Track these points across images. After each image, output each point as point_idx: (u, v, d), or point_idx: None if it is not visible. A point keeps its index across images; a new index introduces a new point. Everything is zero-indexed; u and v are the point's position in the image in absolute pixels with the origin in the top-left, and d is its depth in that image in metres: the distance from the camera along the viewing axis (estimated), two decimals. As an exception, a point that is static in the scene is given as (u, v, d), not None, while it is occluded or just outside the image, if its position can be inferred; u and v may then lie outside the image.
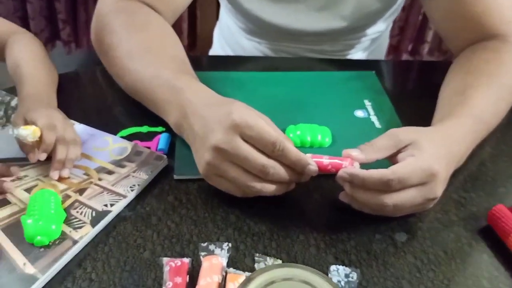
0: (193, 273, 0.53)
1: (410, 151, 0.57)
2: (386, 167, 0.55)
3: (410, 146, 0.57)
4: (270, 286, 0.38)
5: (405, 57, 2.02)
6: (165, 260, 0.53)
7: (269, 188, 0.57)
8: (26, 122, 0.63)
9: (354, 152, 0.57)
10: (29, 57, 0.75)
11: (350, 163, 0.57)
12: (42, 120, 0.61)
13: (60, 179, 0.61)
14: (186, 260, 0.53)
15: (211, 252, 0.54)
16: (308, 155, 0.58)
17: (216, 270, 0.51)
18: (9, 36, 0.79)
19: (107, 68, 0.75)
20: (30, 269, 0.51)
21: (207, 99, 0.61)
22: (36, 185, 0.60)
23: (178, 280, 0.50)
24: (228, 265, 0.54)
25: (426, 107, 0.71)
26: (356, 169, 0.55)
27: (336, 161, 0.57)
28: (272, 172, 0.55)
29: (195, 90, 0.63)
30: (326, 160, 0.58)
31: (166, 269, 0.52)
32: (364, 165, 0.58)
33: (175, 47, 0.73)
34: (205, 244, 0.55)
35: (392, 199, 0.55)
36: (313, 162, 0.57)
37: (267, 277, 0.39)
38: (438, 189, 0.56)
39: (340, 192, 0.60)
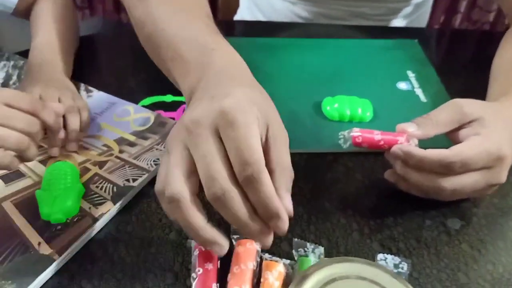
0: (225, 258, 0.47)
1: (475, 128, 0.50)
2: (444, 143, 0.49)
3: (476, 123, 0.50)
4: (330, 285, 0.32)
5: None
6: (194, 243, 0.47)
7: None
8: None
9: (410, 128, 0.51)
10: (50, 16, 0.70)
11: (406, 139, 0.51)
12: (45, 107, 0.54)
13: (79, 149, 0.56)
14: None
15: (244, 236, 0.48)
16: (356, 129, 0.52)
17: (251, 256, 0.46)
18: None
19: (129, 12, 0.61)
20: (45, 249, 0.46)
21: (234, 73, 0.47)
22: (52, 157, 0.55)
23: (209, 266, 0.45)
24: (263, 250, 0.48)
25: (476, 80, 0.64)
26: (412, 147, 0.49)
27: (389, 137, 0.51)
28: (224, 197, 0.39)
29: (222, 57, 0.49)
30: (377, 136, 0.51)
31: (195, 253, 0.46)
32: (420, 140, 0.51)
33: (206, 4, 0.63)
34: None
35: (451, 182, 0.49)
36: (285, 217, 0.40)
37: (326, 274, 0.33)
38: (503, 174, 0.50)
39: (385, 171, 0.54)
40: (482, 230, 0.52)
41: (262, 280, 0.45)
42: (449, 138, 0.52)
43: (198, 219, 0.40)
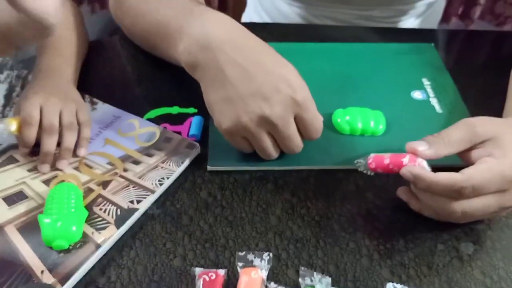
0: (229, 287, 0.47)
1: (488, 149, 0.48)
2: (455, 160, 0.47)
3: (489, 142, 0.48)
4: None
5: (454, 21, 1.86)
6: (198, 271, 0.47)
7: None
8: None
9: (421, 147, 0.49)
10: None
11: (411, 159, 0.49)
12: (23, 111, 0.55)
13: (82, 168, 0.55)
14: (222, 272, 0.47)
15: (250, 263, 0.48)
16: (371, 155, 0.51)
17: (256, 285, 0.45)
18: None
19: (122, 23, 0.68)
20: (48, 278, 0.46)
21: (238, 36, 0.53)
22: (55, 176, 0.55)
23: None
24: (268, 278, 0.47)
25: (495, 88, 0.61)
26: (420, 170, 0.47)
27: (396, 159, 0.49)
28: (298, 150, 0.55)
29: (218, 18, 0.54)
30: (386, 160, 0.50)
31: (199, 283, 0.46)
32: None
33: None
34: (243, 254, 0.48)
35: (462, 206, 0.48)
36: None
37: None
38: None
39: (398, 189, 0.52)
40: (496, 255, 0.50)
41: None
42: (460, 158, 0.51)
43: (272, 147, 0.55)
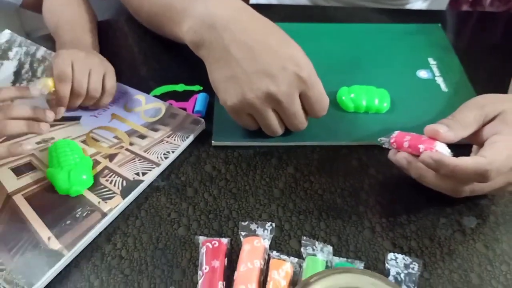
0: (232, 255, 0.48)
1: (497, 126, 0.48)
2: None
3: (497, 119, 0.49)
4: None
5: (465, 8, 1.85)
6: (201, 239, 0.48)
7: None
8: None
9: (442, 129, 0.48)
10: (65, 2, 0.71)
11: (427, 146, 0.48)
12: (56, 68, 0.57)
13: (89, 141, 0.57)
14: (225, 240, 0.48)
15: (253, 232, 0.49)
16: (395, 133, 0.51)
17: (258, 253, 0.47)
18: None
19: (129, 4, 0.70)
20: (55, 244, 0.47)
21: (243, 16, 0.54)
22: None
23: (216, 263, 0.46)
24: (271, 248, 0.49)
25: (500, 67, 0.62)
26: (443, 156, 0.46)
27: (415, 142, 0.49)
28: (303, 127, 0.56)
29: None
30: (406, 142, 0.50)
31: (202, 250, 0.47)
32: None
33: None
34: (246, 223, 0.49)
35: (471, 185, 0.48)
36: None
37: (327, 284, 0.33)
38: None
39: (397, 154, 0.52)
40: (499, 229, 0.51)
41: (268, 279, 0.45)
42: (468, 138, 0.51)
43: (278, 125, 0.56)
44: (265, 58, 0.51)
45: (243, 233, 0.49)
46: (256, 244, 0.47)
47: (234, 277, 0.45)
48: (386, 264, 0.47)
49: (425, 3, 0.89)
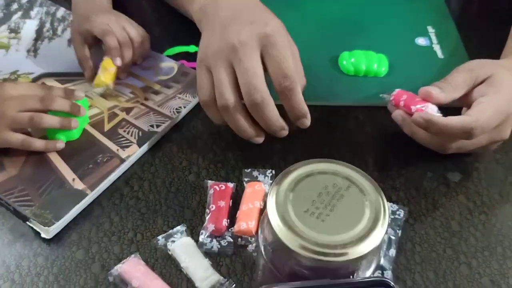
0: (237, 198, 0.54)
1: (483, 88, 0.53)
2: None
3: (485, 83, 0.54)
4: (306, 178, 0.38)
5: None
6: (209, 183, 0.54)
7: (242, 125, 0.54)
8: (84, 36, 0.64)
9: (435, 91, 0.53)
10: None
11: (417, 109, 0.53)
12: (96, 27, 0.63)
13: (107, 96, 0.63)
14: (230, 184, 0.54)
15: (255, 178, 0.55)
16: (395, 92, 0.56)
17: (258, 196, 0.53)
18: None
19: None
20: (79, 184, 0.53)
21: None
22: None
23: (222, 203, 0.52)
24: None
25: (496, 35, 0.66)
26: (433, 115, 0.52)
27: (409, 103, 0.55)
28: (263, 103, 0.51)
29: None
30: (402, 102, 0.55)
31: (210, 192, 0.53)
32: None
33: None
34: (248, 170, 0.56)
35: (458, 143, 0.54)
36: (309, 116, 0.54)
37: (307, 170, 0.39)
38: (507, 131, 0.54)
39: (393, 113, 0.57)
40: (481, 184, 0.57)
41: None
42: (459, 100, 0.56)
43: (245, 120, 0.53)
44: (242, 17, 0.54)
45: (246, 179, 0.55)
46: (257, 188, 0.54)
47: (237, 215, 0.52)
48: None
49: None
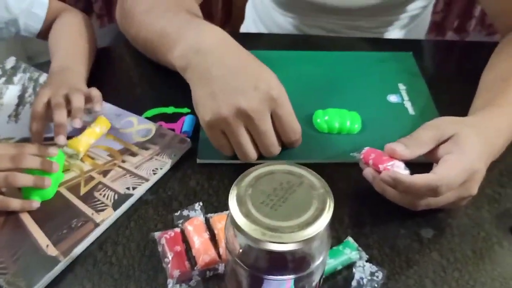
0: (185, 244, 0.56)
1: (449, 146, 0.55)
2: None
3: (450, 140, 0.55)
4: (265, 177, 0.43)
5: (450, 35, 1.92)
6: (157, 234, 0.55)
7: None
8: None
9: (399, 148, 0.55)
10: (68, 31, 0.78)
11: (385, 168, 0.55)
12: (32, 106, 0.65)
13: (86, 159, 0.64)
14: (178, 229, 0.56)
15: (187, 217, 0.57)
16: (364, 150, 0.58)
17: (202, 229, 0.55)
18: (59, 14, 0.81)
19: (127, 32, 0.77)
20: (52, 251, 0.53)
21: (227, 45, 0.61)
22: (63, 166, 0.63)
23: (178, 248, 0.54)
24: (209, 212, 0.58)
25: (465, 93, 0.68)
26: (400, 174, 0.53)
27: (377, 161, 0.56)
28: (274, 154, 0.61)
29: (212, 29, 0.62)
30: (371, 160, 0.57)
31: (162, 242, 0.54)
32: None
33: (194, 8, 0.73)
34: (178, 213, 0.58)
35: (427, 200, 0.55)
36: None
37: (265, 170, 0.44)
38: (474, 187, 0.55)
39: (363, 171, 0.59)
40: (454, 240, 0.57)
41: (216, 231, 0.55)
42: (425, 156, 0.57)
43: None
44: (241, 78, 0.58)
45: (180, 221, 0.57)
46: (196, 223, 0.56)
47: (194, 254, 0.53)
48: (353, 269, 0.53)
49: (402, 31, 0.97)
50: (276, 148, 0.61)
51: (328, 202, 0.41)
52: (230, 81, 0.58)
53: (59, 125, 0.63)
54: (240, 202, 0.40)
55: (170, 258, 0.52)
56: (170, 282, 0.51)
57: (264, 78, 0.58)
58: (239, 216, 0.39)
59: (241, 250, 0.42)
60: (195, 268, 0.53)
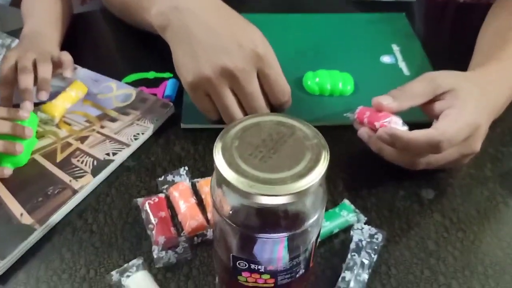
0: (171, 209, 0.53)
1: (449, 100, 0.52)
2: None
3: (449, 94, 0.52)
4: (252, 128, 0.38)
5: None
6: (140, 201, 0.52)
7: None
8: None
9: (385, 100, 0.52)
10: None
11: (383, 120, 0.52)
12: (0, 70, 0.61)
13: (62, 125, 0.60)
14: (162, 195, 0.53)
15: (172, 183, 0.54)
16: (358, 109, 0.55)
17: (188, 194, 0.52)
18: None
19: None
20: (27, 219, 0.50)
21: (208, 3, 0.57)
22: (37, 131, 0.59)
23: (162, 214, 0.50)
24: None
25: (462, 54, 0.65)
26: (398, 130, 0.50)
27: (372, 119, 0.53)
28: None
29: None
30: (366, 119, 0.54)
31: (146, 208, 0.51)
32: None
33: None
34: (161, 178, 0.54)
35: (428, 158, 0.52)
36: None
37: (252, 122, 0.39)
38: (477, 144, 0.52)
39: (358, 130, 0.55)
40: (456, 200, 0.55)
41: (203, 196, 0.52)
42: (424, 111, 0.55)
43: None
44: (224, 37, 0.54)
45: (165, 187, 0.54)
46: (181, 187, 0.52)
47: (180, 220, 0.50)
48: (351, 232, 0.50)
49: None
50: (265, 111, 0.57)
51: (323, 153, 0.37)
52: (212, 39, 0.54)
53: (23, 90, 0.58)
54: (226, 155, 0.36)
55: (155, 224, 0.49)
56: (155, 249, 0.48)
57: (249, 35, 0.55)
58: (226, 169, 0.35)
59: (229, 209, 0.38)
60: (182, 234, 0.49)
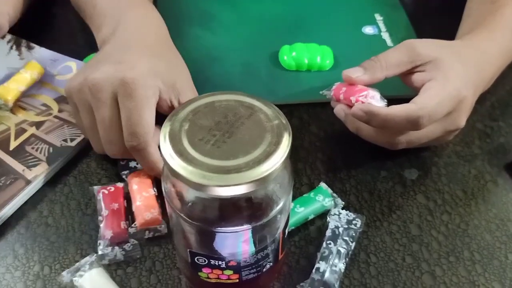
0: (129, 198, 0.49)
1: (430, 72, 0.48)
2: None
3: (431, 65, 0.49)
4: (205, 109, 0.35)
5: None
6: (96, 188, 0.49)
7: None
8: None
9: (356, 73, 0.49)
10: None
11: (359, 95, 0.48)
12: None
13: (16, 110, 0.56)
14: (120, 184, 0.49)
15: (134, 169, 0.51)
16: (335, 85, 0.52)
17: (148, 184, 0.49)
18: None
19: None
20: (-25, 213, 0.47)
21: (146, 37, 0.52)
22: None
23: (115, 206, 0.47)
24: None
25: (451, 24, 0.62)
26: (374, 106, 0.47)
27: (347, 95, 0.50)
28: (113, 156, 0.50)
29: (139, 15, 0.54)
30: (342, 95, 0.50)
31: (99, 197, 0.48)
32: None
33: None
34: (124, 162, 0.51)
35: (408, 136, 0.49)
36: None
37: (205, 101, 0.36)
38: (462, 118, 0.49)
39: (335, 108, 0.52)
40: (441, 180, 0.52)
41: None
42: (404, 82, 0.52)
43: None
44: (121, 52, 0.49)
45: (125, 173, 0.50)
46: (142, 176, 0.49)
47: (133, 210, 0.47)
48: (328, 218, 0.47)
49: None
50: (115, 149, 0.48)
51: (285, 135, 0.34)
52: (112, 50, 0.50)
53: None
54: (174, 140, 0.33)
55: (104, 216, 0.46)
56: (101, 244, 0.45)
57: (133, 61, 0.47)
58: (173, 157, 0.32)
59: (183, 202, 0.35)
60: (132, 225, 0.46)
